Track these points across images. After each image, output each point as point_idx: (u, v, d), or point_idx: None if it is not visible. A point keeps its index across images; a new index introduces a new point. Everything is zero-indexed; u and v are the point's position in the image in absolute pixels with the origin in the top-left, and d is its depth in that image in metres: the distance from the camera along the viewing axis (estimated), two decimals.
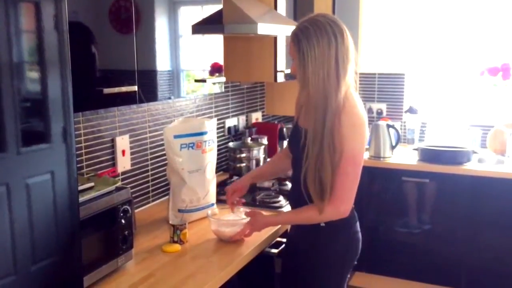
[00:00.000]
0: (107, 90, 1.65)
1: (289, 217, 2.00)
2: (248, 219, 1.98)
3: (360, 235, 1.93)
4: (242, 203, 2.19)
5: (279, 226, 2.17)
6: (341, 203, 1.78)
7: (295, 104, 2.02)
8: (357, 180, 1.79)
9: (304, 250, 1.93)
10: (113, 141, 2.21)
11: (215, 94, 2.93)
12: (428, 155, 3.41)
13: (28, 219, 1.15)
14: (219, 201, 2.32)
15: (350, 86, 1.77)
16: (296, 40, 1.75)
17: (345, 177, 1.75)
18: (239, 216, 2.08)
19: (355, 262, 1.96)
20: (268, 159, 2.87)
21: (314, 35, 1.70)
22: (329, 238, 1.87)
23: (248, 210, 2.10)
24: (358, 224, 1.93)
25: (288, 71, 2.95)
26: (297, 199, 1.88)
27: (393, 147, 3.52)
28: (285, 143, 3.18)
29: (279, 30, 2.46)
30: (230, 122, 3.15)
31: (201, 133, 2.21)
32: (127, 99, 1.81)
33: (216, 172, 2.42)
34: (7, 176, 1.09)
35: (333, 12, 3.35)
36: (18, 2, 1.11)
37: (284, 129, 3.38)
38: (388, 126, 3.52)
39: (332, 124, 1.71)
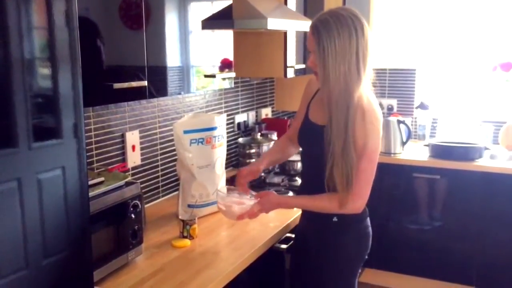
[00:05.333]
0: (117, 85, 1.65)
1: (304, 201, 1.90)
2: (257, 200, 1.89)
3: (370, 230, 1.93)
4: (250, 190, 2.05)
5: (288, 222, 2.18)
6: (359, 198, 1.77)
7: (302, 97, 2.00)
8: (372, 176, 1.79)
9: (314, 245, 1.92)
10: (123, 136, 2.22)
11: (225, 89, 2.93)
12: (439, 151, 3.39)
13: (39, 214, 1.16)
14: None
15: (368, 82, 1.76)
16: (315, 32, 1.70)
17: (362, 173, 1.74)
18: (249, 196, 1.96)
19: (366, 257, 1.96)
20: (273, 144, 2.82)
21: (335, 28, 1.66)
22: (341, 233, 1.87)
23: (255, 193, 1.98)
24: (368, 219, 1.93)
25: (299, 66, 2.94)
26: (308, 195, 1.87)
27: (403, 143, 3.50)
28: None
29: (289, 25, 2.45)
30: (240, 117, 3.15)
31: (211, 129, 2.21)
32: (137, 94, 1.81)
33: (226, 167, 2.42)
34: (18, 171, 1.10)
35: None
36: None
37: None
38: (399, 122, 3.50)
39: (353, 119, 1.70)
